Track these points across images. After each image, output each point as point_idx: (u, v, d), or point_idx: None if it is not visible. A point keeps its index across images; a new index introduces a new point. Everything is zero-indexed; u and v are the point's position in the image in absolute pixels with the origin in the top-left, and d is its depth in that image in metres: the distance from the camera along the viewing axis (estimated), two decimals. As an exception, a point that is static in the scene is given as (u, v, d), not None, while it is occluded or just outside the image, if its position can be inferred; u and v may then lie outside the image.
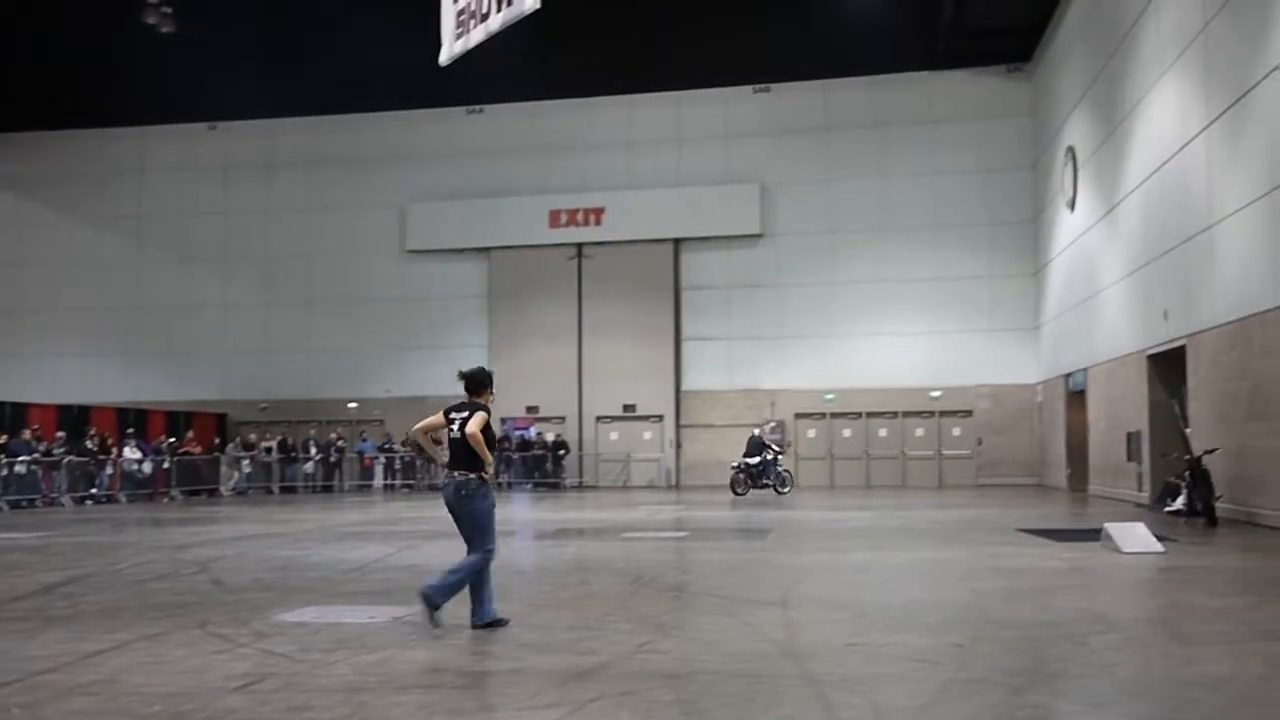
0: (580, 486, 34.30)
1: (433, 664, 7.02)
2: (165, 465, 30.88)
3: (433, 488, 33.81)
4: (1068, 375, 28.65)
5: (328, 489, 33.99)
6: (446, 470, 8.47)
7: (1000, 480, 32.71)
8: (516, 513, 22.99)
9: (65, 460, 27.71)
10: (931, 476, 33.60)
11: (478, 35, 14.94)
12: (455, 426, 8.36)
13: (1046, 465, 31.78)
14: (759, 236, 34.96)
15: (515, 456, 34.45)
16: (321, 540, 16.33)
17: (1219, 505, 16.91)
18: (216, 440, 34.75)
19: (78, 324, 38.83)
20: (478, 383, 8.57)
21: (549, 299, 35.76)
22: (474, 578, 8.29)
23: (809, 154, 34.91)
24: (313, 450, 34.60)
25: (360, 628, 8.40)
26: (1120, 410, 23.84)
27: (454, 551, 14.17)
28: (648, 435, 35.42)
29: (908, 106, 34.35)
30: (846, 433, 34.32)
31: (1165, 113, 20.56)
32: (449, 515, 8.53)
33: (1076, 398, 28.04)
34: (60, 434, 28.58)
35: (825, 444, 34.01)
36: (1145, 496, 21.52)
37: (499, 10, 14.30)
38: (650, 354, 35.10)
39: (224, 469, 33.29)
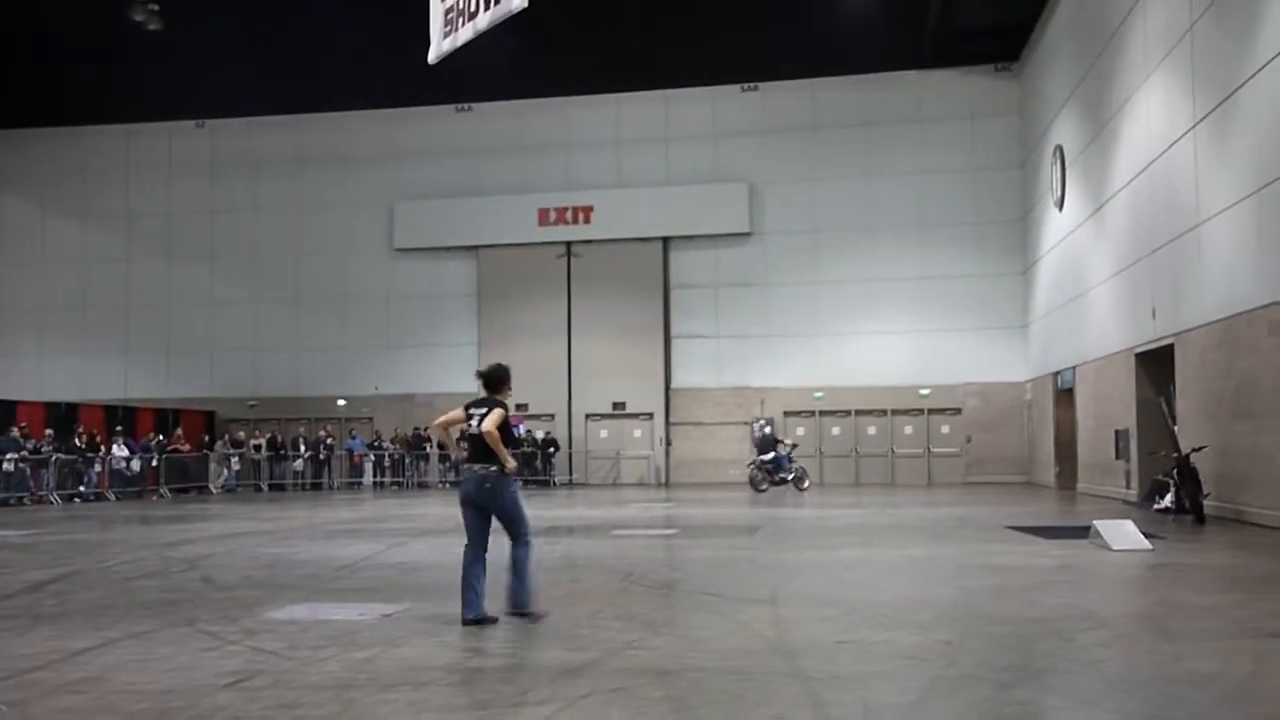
0: (570, 484, 34.29)
1: (422, 661, 7.02)
2: (154, 463, 30.79)
3: (423, 485, 33.85)
4: (1056, 373, 28.71)
5: (317, 486, 33.93)
6: (466, 464, 8.63)
7: (989, 478, 32.79)
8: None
9: (53, 458, 27.63)
10: (920, 474, 33.67)
11: (466, 33, 14.92)
12: (474, 422, 8.53)
13: (1035, 463, 31.86)
14: (747, 235, 35.00)
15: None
16: (310, 538, 16.31)
17: (1207, 503, 16.96)
18: (205, 438, 34.65)
19: (65, 321, 38.72)
20: (496, 380, 8.81)
21: (538, 297, 35.74)
22: (526, 560, 8.51)
23: (797, 153, 34.96)
24: (302, 448, 34.54)
25: (349, 625, 8.39)
26: (1108, 408, 23.91)
27: (442, 549, 14.19)
28: (637, 433, 35.44)
29: (896, 106, 34.40)
30: (835, 430, 34.39)
31: (1153, 112, 20.62)
32: (460, 509, 8.73)
33: (1065, 396, 28.11)
34: (49, 431, 28.49)
35: (814, 442, 34.03)
36: (1133, 494, 21.58)
37: (487, 8, 14.28)
38: (639, 352, 35.12)
39: (213, 466, 33.22)
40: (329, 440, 34.79)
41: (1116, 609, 9.15)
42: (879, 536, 15.61)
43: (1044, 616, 8.41)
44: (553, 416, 35.53)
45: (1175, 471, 17.55)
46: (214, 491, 32.24)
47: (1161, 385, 20.54)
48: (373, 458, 34.97)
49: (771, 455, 28.22)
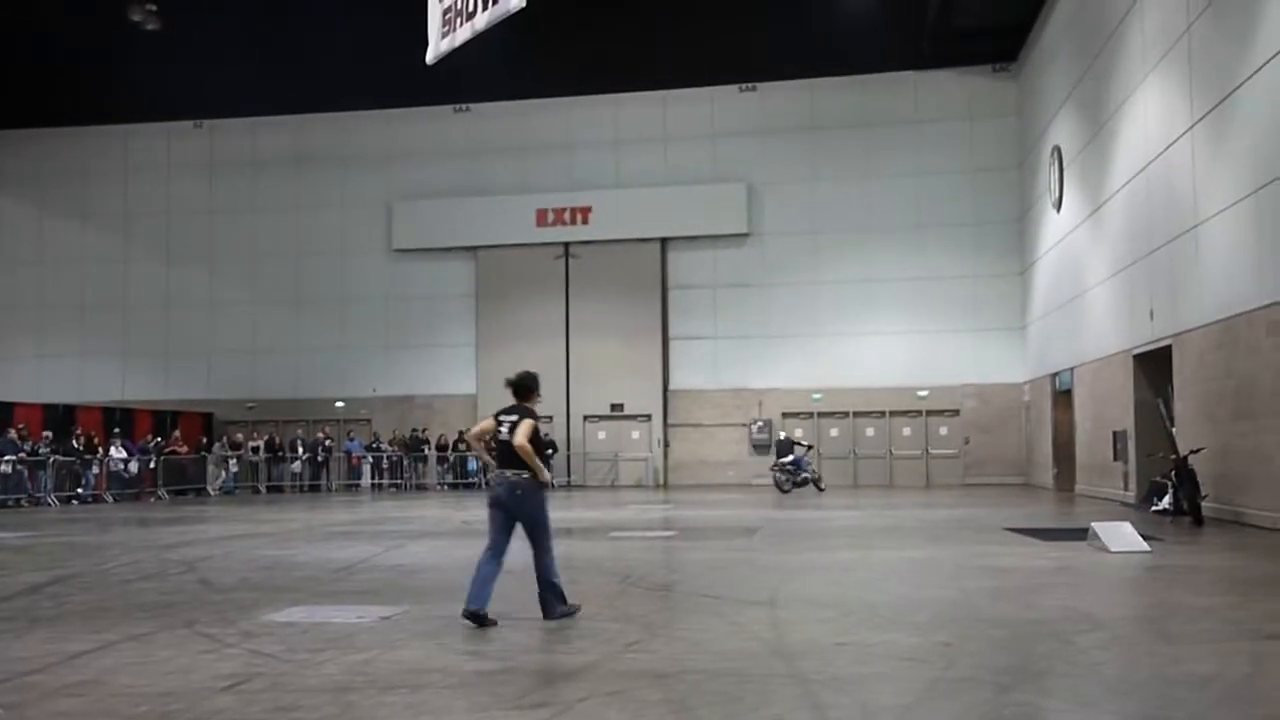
0: (568, 486, 34.27)
1: (420, 664, 7.01)
2: (152, 465, 30.77)
3: (421, 487, 33.84)
4: (1054, 375, 28.72)
5: (315, 488, 33.90)
6: (498, 470, 8.67)
7: (987, 479, 32.80)
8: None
9: (51, 459, 27.60)
10: (919, 476, 33.67)
11: (464, 34, 14.92)
12: (505, 430, 8.58)
13: (1033, 464, 31.86)
14: (746, 236, 35.00)
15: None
16: (309, 540, 16.29)
17: (1205, 504, 16.97)
18: (203, 440, 34.64)
19: (63, 323, 38.69)
20: (525, 388, 8.91)
21: (536, 298, 35.73)
22: (552, 568, 8.59)
23: (796, 153, 34.96)
24: (300, 450, 34.51)
25: (348, 627, 8.38)
26: (1106, 410, 23.92)
27: (440, 551, 14.20)
28: (635, 434, 35.43)
29: (894, 106, 34.42)
30: (834, 432, 34.38)
31: (1150, 112, 20.63)
32: (487, 513, 8.71)
33: (1063, 397, 28.12)
34: (46, 433, 28.46)
35: (812, 443, 33.97)
36: (1131, 496, 21.59)
37: (485, 8, 14.28)
38: (638, 353, 35.11)
39: (211, 468, 33.19)
40: (327, 442, 34.75)
41: (1115, 611, 9.15)
42: (877, 538, 15.61)
43: (1042, 618, 8.41)
44: (550, 418, 35.42)
45: (1173, 473, 17.56)
46: (212, 493, 32.22)
47: (1160, 386, 20.55)
48: (371, 459, 34.95)
49: (791, 457, 28.60)
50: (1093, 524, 13.67)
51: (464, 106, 36.85)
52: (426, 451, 34.68)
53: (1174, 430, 18.81)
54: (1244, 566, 11.80)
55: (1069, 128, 26.94)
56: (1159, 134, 20.09)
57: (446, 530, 17.93)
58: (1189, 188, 18.64)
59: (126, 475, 30.13)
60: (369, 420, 36.55)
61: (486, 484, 31.45)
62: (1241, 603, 9.20)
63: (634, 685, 6.35)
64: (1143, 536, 13.23)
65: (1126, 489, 22.14)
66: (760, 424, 34.31)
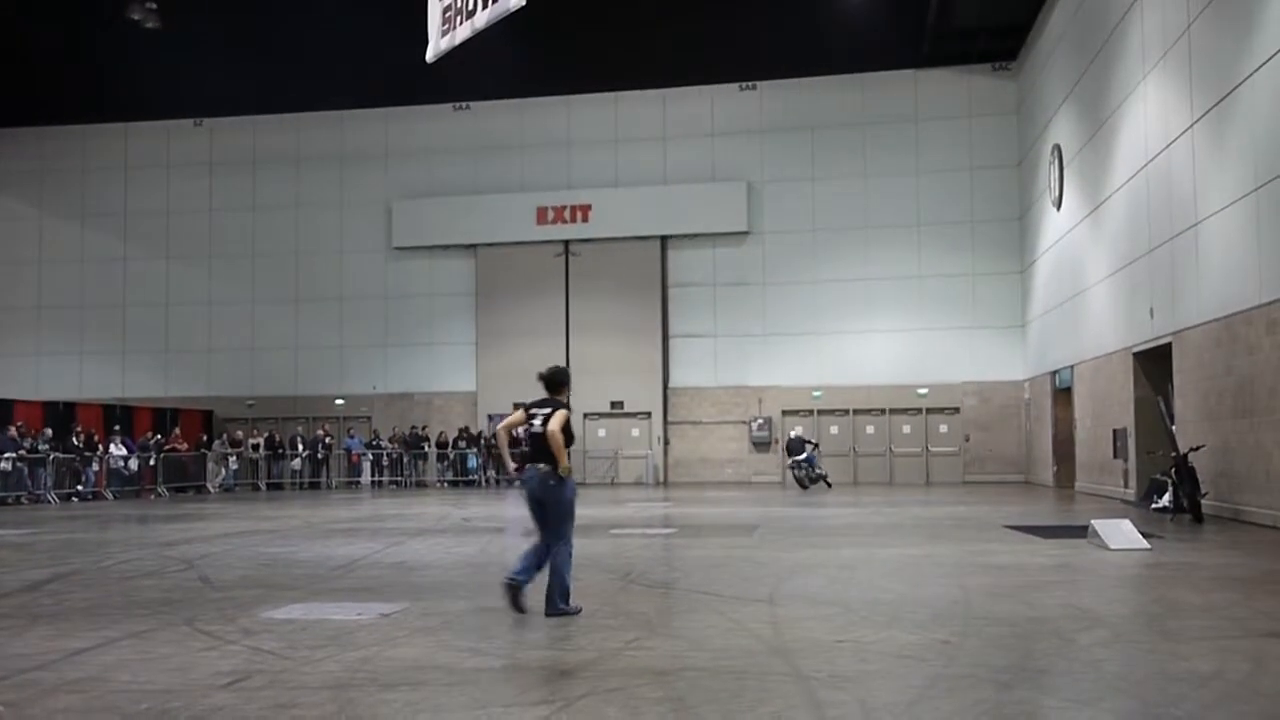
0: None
1: (420, 661, 7.01)
2: (152, 462, 30.79)
3: (421, 484, 33.85)
4: (1054, 372, 28.73)
5: (315, 486, 33.93)
6: (530, 464, 8.82)
7: (987, 477, 32.83)
8: (504, 509, 22.99)
9: (51, 457, 27.61)
10: (918, 473, 33.69)
11: (464, 32, 14.93)
12: (537, 422, 8.76)
13: (1033, 462, 31.88)
14: (745, 234, 35.00)
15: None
16: (309, 537, 16.29)
17: (1205, 502, 16.98)
18: (203, 437, 34.64)
19: (63, 320, 38.70)
20: (556, 382, 9.09)
21: (536, 296, 35.75)
22: (540, 560, 8.70)
23: (795, 152, 34.96)
24: (300, 447, 34.53)
25: (348, 624, 8.38)
26: (1106, 407, 23.93)
27: (440, 548, 14.20)
28: (635, 432, 35.44)
29: (894, 105, 34.43)
30: (834, 430, 34.39)
31: (1150, 111, 20.63)
32: (529, 508, 8.89)
33: (1063, 395, 28.13)
34: (46, 430, 28.48)
35: (816, 440, 33.95)
36: (1131, 493, 21.60)
37: (485, 7, 14.29)
38: (638, 351, 35.12)
39: (211, 466, 33.22)
40: (327, 439, 34.78)
41: (1114, 608, 9.15)
42: (877, 536, 15.61)
43: (1042, 616, 8.41)
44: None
45: (1173, 471, 17.55)
46: (212, 491, 32.24)
47: (1159, 384, 20.56)
48: (371, 457, 34.97)
49: (805, 455, 28.91)
50: (1092, 521, 13.67)
51: (464, 105, 36.85)
52: (426, 449, 34.71)
53: (1174, 428, 18.82)
54: (1244, 564, 11.80)
55: (1069, 126, 26.94)
56: (1159, 132, 20.09)
57: (446, 528, 17.94)
58: (1189, 186, 18.64)
59: (126, 472, 30.15)
60: (369, 417, 36.58)
61: (497, 482, 31.48)
62: (1241, 600, 9.20)
63: (634, 683, 6.35)
64: (1142, 534, 13.23)
65: (1126, 486, 22.15)
66: (760, 422, 34.33)
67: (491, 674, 6.66)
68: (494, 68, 31.66)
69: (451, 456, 34.55)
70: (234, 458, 33.71)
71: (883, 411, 34.19)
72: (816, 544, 14.35)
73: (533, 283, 35.80)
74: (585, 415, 35.48)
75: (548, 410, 8.79)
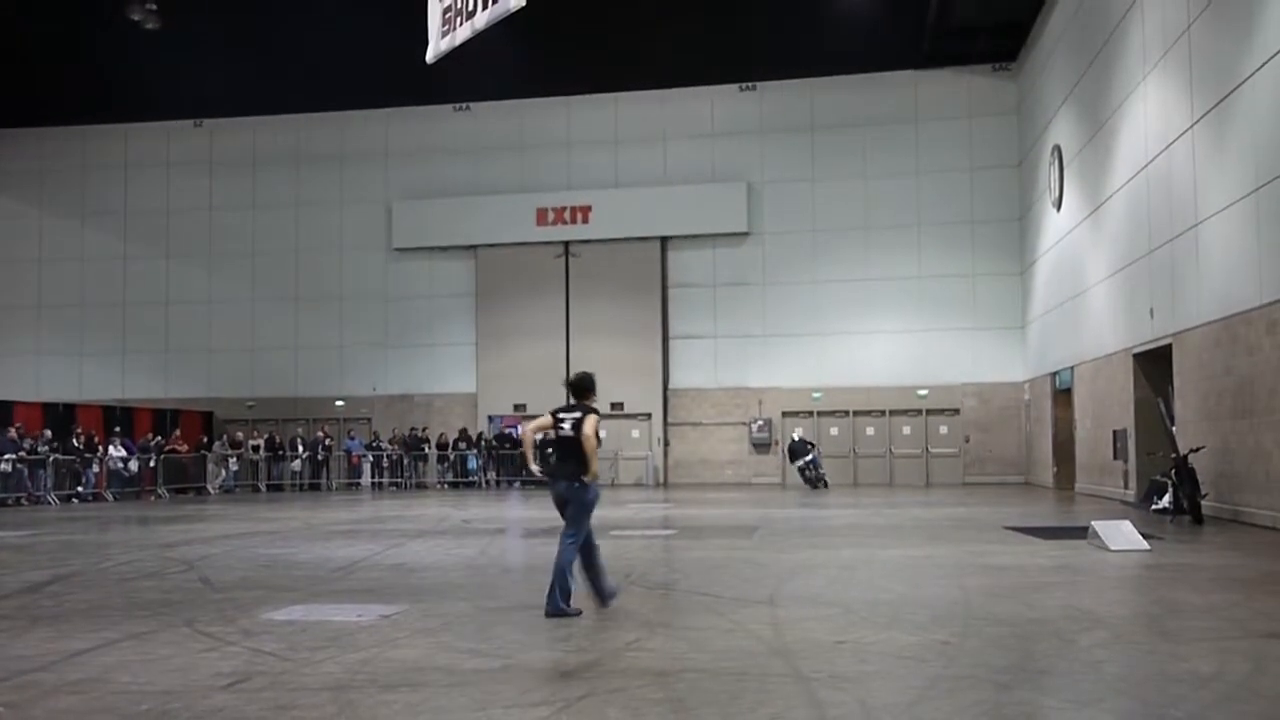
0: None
1: (420, 662, 7.01)
2: (152, 463, 30.78)
3: (421, 486, 33.85)
4: (1054, 373, 28.72)
5: (315, 487, 33.92)
6: (557, 465, 8.98)
7: (987, 478, 32.82)
8: (504, 511, 22.99)
9: (51, 458, 27.61)
10: (919, 474, 33.68)
11: (464, 33, 14.94)
12: (566, 426, 8.91)
13: (1033, 463, 31.87)
14: (745, 235, 34.99)
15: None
16: (309, 538, 16.30)
17: (1205, 503, 16.97)
18: (203, 438, 34.64)
19: (63, 321, 38.69)
20: (583, 387, 9.25)
21: (536, 297, 35.74)
22: (570, 562, 8.82)
23: (795, 152, 34.95)
24: (300, 448, 34.52)
25: (348, 626, 8.38)
26: (1106, 408, 23.92)
27: (440, 550, 14.21)
28: (635, 433, 35.41)
29: (894, 105, 34.42)
30: (834, 431, 34.37)
31: (1151, 112, 20.63)
32: (557, 510, 9.03)
33: (1063, 396, 28.12)
34: (46, 431, 28.47)
35: (815, 442, 33.97)
36: (1131, 494, 21.59)
37: (485, 8, 14.29)
38: (638, 352, 35.09)
39: (211, 467, 33.22)
40: (327, 441, 34.77)
41: (1115, 609, 9.15)
42: (877, 537, 15.61)
43: (1042, 617, 8.42)
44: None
45: (1173, 472, 17.55)
46: (212, 492, 32.24)
47: (1159, 385, 20.56)
48: (371, 458, 34.95)
49: (810, 457, 29.67)
50: (1093, 522, 13.68)
51: (464, 105, 36.84)
52: (426, 450, 34.70)
53: (1174, 429, 18.82)
54: (1244, 565, 11.80)
55: (1069, 127, 26.94)
56: (1159, 133, 20.09)
57: (447, 529, 17.94)
58: (1189, 187, 18.64)
59: (126, 474, 30.14)
60: (369, 419, 36.58)
61: (498, 483, 31.41)
62: (1241, 601, 9.20)
63: (634, 684, 6.35)
64: (1142, 535, 13.24)
65: (1126, 488, 22.15)
66: (760, 423, 34.33)
67: (492, 675, 6.66)
68: (494, 69, 31.67)
69: (451, 458, 34.54)
70: (234, 459, 33.71)
71: (883, 413, 34.18)
72: (817, 545, 14.35)
73: (533, 284, 35.80)
74: (585, 416, 35.44)
75: (577, 415, 8.95)
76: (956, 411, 33.75)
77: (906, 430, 34.10)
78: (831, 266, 34.40)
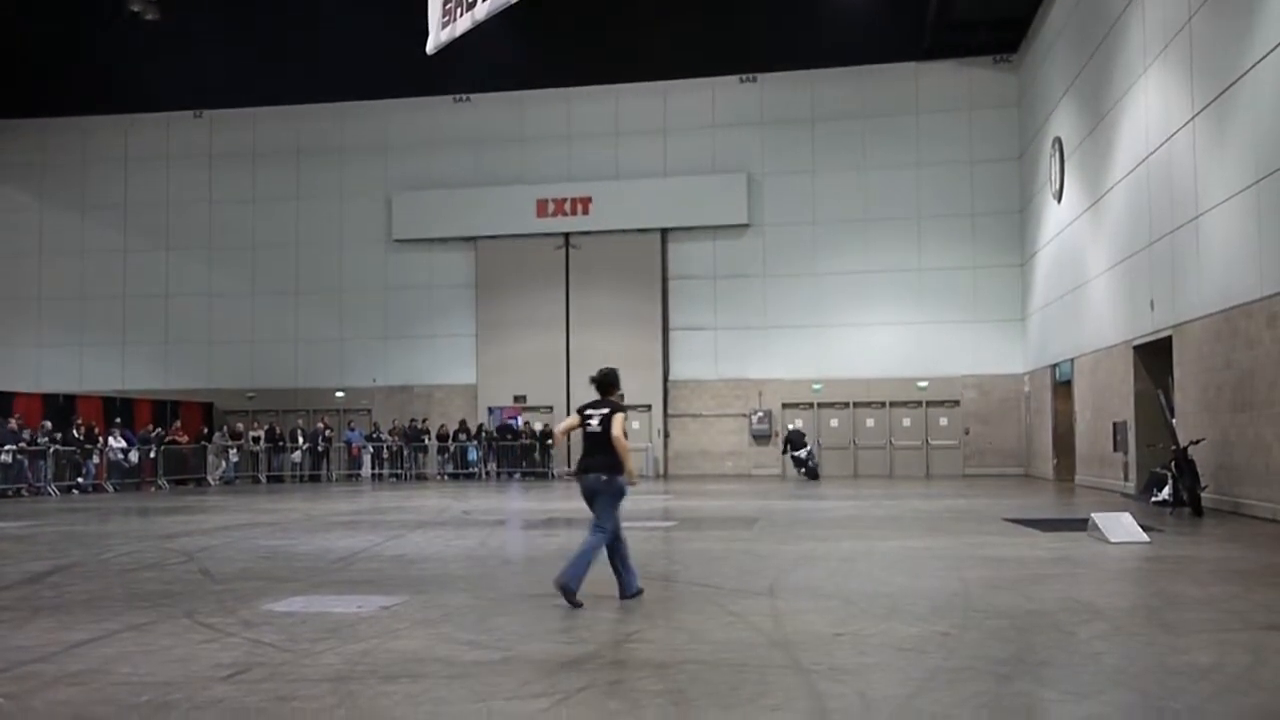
0: (568, 476, 34.29)
1: (420, 654, 7.01)
2: (152, 454, 30.80)
3: (421, 477, 33.88)
4: (1054, 365, 28.72)
5: (315, 478, 33.95)
6: (585, 460, 9.15)
7: (987, 470, 32.84)
8: (505, 502, 23.00)
9: (51, 449, 27.62)
10: (919, 466, 33.69)
11: (464, 24, 14.92)
12: (594, 422, 9.05)
13: (1033, 455, 31.89)
14: (746, 227, 34.97)
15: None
16: (309, 530, 16.31)
17: (1204, 495, 16.98)
18: (203, 429, 34.66)
19: (63, 313, 38.69)
20: (608, 383, 9.38)
21: (536, 289, 35.73)
22: (595, 548, 8.94)
23: (796, 144, 34.92)
24: (300, 439, 34.54)
25: (348, 617, 8.39)
26: (1106, 400, 23.92)
27: (440, 541, 14.23)
28: (635, 425, 35.39)
29: (894, 97, 34.39)
30: (834, 422, 34.39)
31: (1151, 104, 20.60)
32: (586, 503, 9.18)
33: (1063, 388, 28.13)
34: (46, 423, 28.47)
35: (812, 434, 33.98)
36: (1131, 486, 21.60)
37: (486, -1, 14.27)
38: (638, 344, 35.09)
39: (211, 458, 33.23)
40: (327, 432, 34.78)
41: (1114, 601, 9.16)
42: (877, 528, 15.62)
43: (1042, 609, 8.42)
44: (551, 408, 35.51)
45: (1173, 464, 17.55)
46: (212, 483, 32.27)
47: (1159, 377, 20.55)
48: (371, 449, 34.98)
49: (809, 447, 30.18)
50: (1092, 515, 13.69)
51: (464, 97, 36.79)
52: (426, 441, 34.73)
53: (1174, 421, 18.81)
54: (1243, 557, 11.81)
55: (1070, 119, 26.91)
56: (1160, 125, 20.07)
57: (447, 520, 17.95)
58: (1190, 179, 18.62)
59: (127, 465, 30.15)
60: (369, 410, 36.59)
61: (499, 475, 31.69)
62: (1241, 593, 9.21)
63: (633, 675, 6.36)
64: (1142, 527, 13.24)
65: (1126, 480, 22.16)
66: (760, 414, 34.34)
67: (492, 666, 6.67)
68: (494, 60, 31.68)
69: (452, 449, 34.58)
70: (234, 450, 33.74)
71: (883, 404, 34.18)
72: (816, 537, 14.36)
73: (533, 275, 35.78)
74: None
75: (604, 411, 9.06)
76: (956, 403, 33.76)
77: (906, 422, 34.10)
78: (832, 258, 34.39)
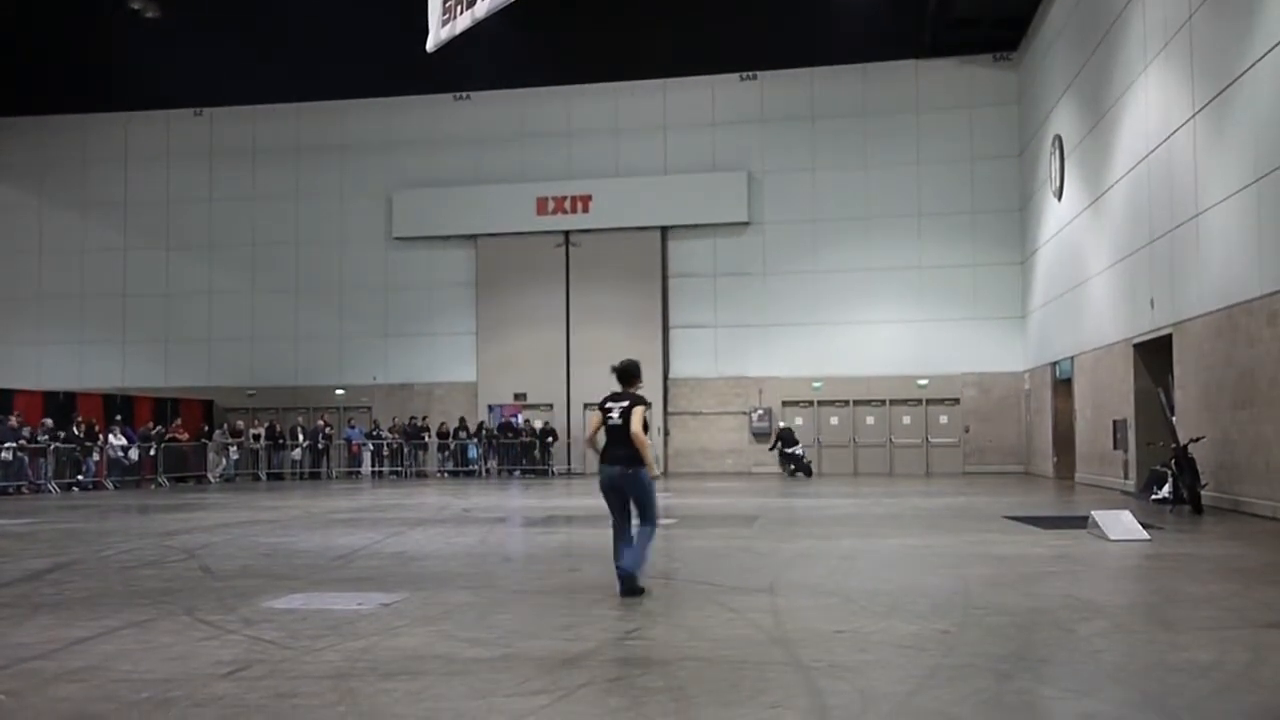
0: (568, 473, 34.31)
1: (420, 651, 7.01)
2: (152, 452, 30.80)
3: (421, 474, 33.90)
4: (1054, 363, 28.72)
5: (315, 476, 33.96)
6: (607, 452, 9.17)
7: (987, 468, 32.85)
8: (505, 500, 23.00)
9: (51, 446, 27.62)
10: (919, 464, 33.70)
11: (464, 22, 14.92)
12: (615, 415, 9.11)
13: (1033, 453, 31.89)
14: (746, 224, 34.97)
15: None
16: (309, 527, 16.31)
17: (1205, 493, 16.97)
18: (204, 427, 34.66)
19: (63, 310, 38.70)
20: (629, 374, 9.48)
21: (537, 286, 35.73)
22: (651, 541, 9.15)
23: (796, 142, 34.91)
24: (300, 437, 34.54)
25: (348, 614, 8.39)
26: (1107, 398, 23.92)
27: (440, 538, 14.22)
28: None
29: (895, 95, 34.38)
30: (834, 420, 34.39)
31: (1152, 102, 20.60)
32: (605, 497, 9.27)
33: (1063, 386, 28.12)
34: (47, 420, 28.48)
35: (812, 432, 34.02)
36: (1131, 484, 21.60)
37: (486, -4, 14.27)
38: (638, 341, 34.95)
39: (211, 456, 33.23)
40: (327, 429, 34.78)
41: (1114, 599, 9.16)
42: (877, 526, 15.62)
43: (1042, 606, 8.42)
44: (551, 406, 35.54)
45: (1173, 462, 17.55)
46: (212, 481, 32.26)
47: (1160, 375, 20.54)
48: (371, 447, 34.97)
49: (800, 446, 30.56)
50: (1092, 512, 13.68)
51: (464, 95, 36.79)
52: (427, 439, 34.74)
53: (1174, 419, 18.81)
54: (1243, 555, 11.81)
55: (1070, 117, 26.90)
56: (1160, 123, 20.06)
57: (447, 518, 17.95)
58: (1190, 177, 18.62)
59: (127, 462, 30.15)
60: (369, 408, 36.60)
61: (499, 472, 31.72)
62: (1241, 591, 9.21)
63: (634, 672, 6.36)
64: (1142, 525, 13.24)
65: (1126, 478, 22.16)
66: (760, 412, 34.34)
67: (492, 663, 6.67)
68: (494, 57, 31.65)
69: (452, 447, 34.59)
70: (234, 448, 33.74)
71: (883, 402, 34.18)
72: (816, 534, 14.36)
73: (533, 273, 35.78)
74: (585, 405, 35.43)
75: (624, 404, 9.14)
76: (956, 401, 33.76)
77: (906, 420, 34.10)
78: (832, 256, 34.39)
